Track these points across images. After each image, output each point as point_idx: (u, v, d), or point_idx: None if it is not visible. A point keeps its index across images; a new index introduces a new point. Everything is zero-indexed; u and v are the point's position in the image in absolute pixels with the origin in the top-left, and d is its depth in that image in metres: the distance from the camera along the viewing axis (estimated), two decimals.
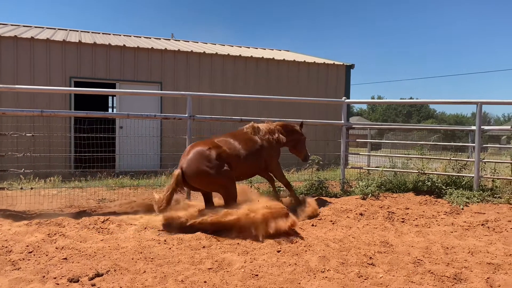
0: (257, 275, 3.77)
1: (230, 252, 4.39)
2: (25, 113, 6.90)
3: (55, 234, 4.90)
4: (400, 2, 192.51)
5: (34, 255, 4.20)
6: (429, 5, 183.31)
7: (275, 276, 3.75)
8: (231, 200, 5.39)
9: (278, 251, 4.48)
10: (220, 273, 3.82)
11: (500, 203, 6.74)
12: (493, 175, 7.69)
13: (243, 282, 3.62)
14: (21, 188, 6.80)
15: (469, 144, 9.31)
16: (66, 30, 15.73)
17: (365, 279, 3.73)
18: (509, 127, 8.54)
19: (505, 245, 4.77)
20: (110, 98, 19.91)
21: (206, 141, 5.67)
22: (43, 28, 15.41)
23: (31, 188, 6.94)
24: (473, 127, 7.54)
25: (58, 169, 9.58)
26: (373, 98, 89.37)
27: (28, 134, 6.55)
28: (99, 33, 16.36)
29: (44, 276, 3.64)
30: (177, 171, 5.29)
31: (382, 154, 12.57)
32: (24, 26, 15.24)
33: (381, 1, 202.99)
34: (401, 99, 64.88)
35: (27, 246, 4.43)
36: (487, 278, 3.77)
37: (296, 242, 4.78)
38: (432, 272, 3.89)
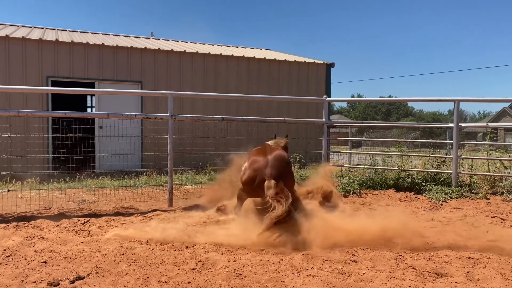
0: (241, 274, 3.76)
1: (214, 252, 4.37)
2: (1, 114, 6.71)
3: (34, 237, 4.79)
4: (378, 1, 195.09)
5: (12, 259, 4.09)
6: (407, 5, 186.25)
7: (259, 275, 3.75)
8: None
9: (262, 250, 4.48)
10: (204, 273, 3.80)
11: (478, 198, 6.90)
12: (471, 171, 7.87)
13: (228, 281, 3.60)
14: None
15: (447, 141, 9.50)
16: (43, 28, 15.37)
17: (348, 276, 3.76)
18: (485, 124, 8.74)
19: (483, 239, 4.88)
20: (88, 98, 19.58)
21: (272, 147, 5.80)
22: (18, 26, 15.03)
23: (8, 191, 6.76)
24: (451, 125, 7.69)
25: (35, 170, 9.36)
26: (353, 96, 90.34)
27: (5, 135, 6.38)
28: (76, 32, 16.06)
29: (23, 281, 3.55)
30: (272, 181, 5.03)
31: (364, 152, 12.72)
32: None
33: (360, 1, 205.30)
34: (380, 97, 65.79)
35: (5, 250, 4.31)
36: (467, 272, 3.85)
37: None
38: (413, 268, 3.96)
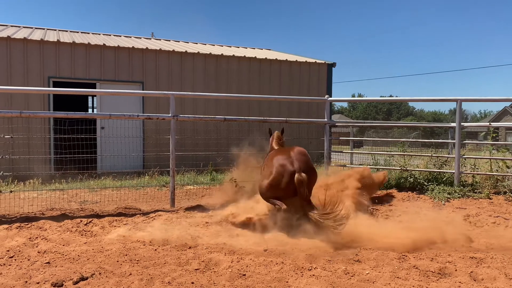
0: (244, 274, 3.75)
1: (217, 252, 4.36)
2: (3, 114, 6.71)
3: (37, 237, 4.79)
4: (378, 1, 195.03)
5: (15, 260, 4.09)
6: (407, 4, 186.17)
7: (262, 275, 3.74)
8: None
9: (265, 250, 4.47)
10: (207, 273, 3.79)
11: (481, 198, 6.88)
12: (473, 171, 7.85)
13: (231, 282, 3.60)
14: (0, 191, 6.62)
15: (449, 141, 9.48)
16: (44, 29, 15.38)
17: (352, 276, 3.75)
18: (488, 123, 8.72)
19: (487, 239, 4.87)
20: (90, 98, 19.60)
21: (292, 147, 5.63)
22: (19, 27, 15.04)
23: (11, 191, 6.77)
24: (453, 124, 7.68)
25: (37, 171, 9.36)
26: (353, 96, 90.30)
27: (7, 136, 6.38)
28: (77, 32, 16.07)
29: (26, 282, 3.54)
30: (304, 175, 4.97)
31: (366, 152, 12.71)
32: (0, 25, 14.85)
33: (360, 1, 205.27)
34: (381, 96, 65.79)
35: (8, 250, 4.32)
36: (471, 272, 3.84)
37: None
38: (417, 268, 3.95)
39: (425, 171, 8.05)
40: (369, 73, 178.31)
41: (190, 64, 13.36)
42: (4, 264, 3.95)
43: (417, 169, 8.13)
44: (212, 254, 4.28)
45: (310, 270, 3.89)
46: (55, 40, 11.91)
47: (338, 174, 7.33)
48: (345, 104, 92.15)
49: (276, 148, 6.34)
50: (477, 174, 7.78)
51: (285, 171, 5.07)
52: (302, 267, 3.94)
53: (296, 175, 4.94)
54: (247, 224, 5.47)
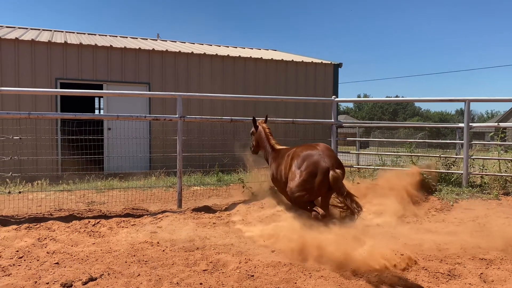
0: (252, 275, 3.75)
1: (224, 253, 4.36)
2: (12, 116, 6.76)
3: (46, 238, 4.82)
4: (383, 1, 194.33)
5: (24, 260, 4.11)
6: (413, 3, 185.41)
7: (271, 276, 3.74)
8: None
9: (273, 251, 4.47)
10: (215, 274, 3.79)
11: (489, 199, 6.83)
12: (482, 172, 7.79)
13: (239, 283, 3.60)
14: (9, 192, 6.67)
15: (457, 141, 9.42)
16: (51, 30, 15.48)
17: (361, 277, 3.74)
18: (496, 123, 8.65)
19: (496, 240, 4.82)
20: (96, 100, 19.69)
21: (316, 143, 5.43)
22: (27, 29, 15.14)
23: (19, 192, 6.81)
24: (461, 125, 7.62)
25: (45, 172, 9.41)
26: (359, 96, 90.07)
27: (16, 137, 6.42)
28: (84, 34, 16.15)
29: (36, 282, 3.57)
30: (338, 171, 4.80)
31: (373, 153, 12.66)
32: (7, 27, 14.94)
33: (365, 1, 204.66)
34: (387, 97, 65.54)
35: (17, 251, 4.35)
36: (481, 273, 3.82)
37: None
38: (426, 269, 3.92)
39: (433, 171, 7.99)
40: (374, 73, 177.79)
41: (197, 65, 13.38)
42: (14, 265, 3.97)
43: (425, 169, 8.07)
44: (220, 255, 4.28)
45: (319, 271, 3.88)
46: (62, 41, 11.98)
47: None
48: (350, 105, 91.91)
49: (273, 142, 6.19)
50: (486, 174, 7.72)
51: (319, 169, 4.80)
52: (311, 268, 3.93)
53: (331, 172, 4.72)
54: (254, 225, 5.47)
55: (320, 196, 5.01)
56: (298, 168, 4.98)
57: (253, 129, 6.77)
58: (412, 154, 8.41)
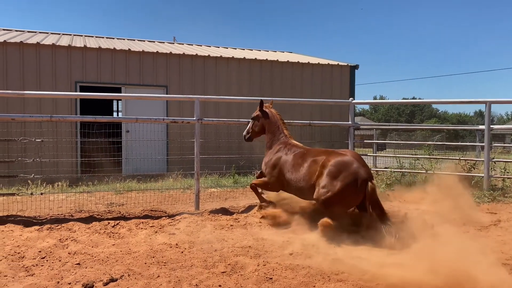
0: (271, 278, 3.75)
1: (242, 255, 4.37)
2: (34, 119, 6.91)
3: (67, 239, 4.90)
4: (401, 1, 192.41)
5: (47, 260, 4.19)
6: (431, 4, 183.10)
7: (289, 279, 3.73)
8: None
9: (291, 254, 4.46)
10: (234, 276, 3.80)
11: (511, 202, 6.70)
12: (503, 175, 7.64)
13: (258, 285, 3.60)
14: (31, 194, 6.81)
15: (477, 144, 9.26)
16: (71, 35, 15.77)
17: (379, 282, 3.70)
18: None
19: None
20: (114, 102, 19.96)
21: (344, 150, 5.36)
22: (47, 33, 15.46)
23: (41, 193, 6.95)
24: (481, 127, 7.50)
25: (65, 173, 9.59)
26: (375, 98, 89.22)
27: (38, 140, 6.56)
28: (103, 38, 16.40)
29: (58, 282, 3.63)
30: (374, 182, 4.73)
31: (391, 155, 12.53)
32: (28, 31, 15.30)
33: (381, 0, 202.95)
34: (403, 99, 64.80)
35: (40, 251, 4.43)
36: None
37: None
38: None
39: (453, 174, 7.87)
40: (390, 75, 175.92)
41: (213, 68, 13.46)
42: (36, 265, 4.05)
43: (444, 172, 7.96)
44: (238, 257, 4.29)
45: (337, 274, 3.85)
46: (82, 45, 12.20)
47: None
48: (366, 106, 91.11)
49: (287, 132, 5.92)
50: (508, 178, 7.57)
51: (358, 180, 4.62)
52: (329, 272, 3.91)
53: (370, 184, 4.57)
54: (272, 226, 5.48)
55: (354, 206, 4.92)
56: (333, 178, 4.77)
57: (257, 112, 6.34)
58: (431, 157, 8.31)
